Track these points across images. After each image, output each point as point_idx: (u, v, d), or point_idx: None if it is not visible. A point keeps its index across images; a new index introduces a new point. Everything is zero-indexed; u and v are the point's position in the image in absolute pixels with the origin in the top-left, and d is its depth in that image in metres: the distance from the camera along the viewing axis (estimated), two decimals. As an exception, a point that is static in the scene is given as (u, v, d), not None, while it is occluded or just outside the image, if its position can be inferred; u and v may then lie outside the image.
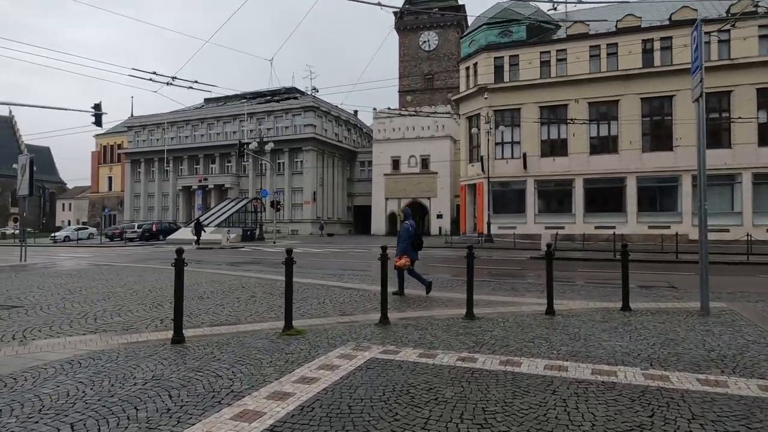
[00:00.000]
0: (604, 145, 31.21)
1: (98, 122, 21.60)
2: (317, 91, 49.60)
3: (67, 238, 43.77)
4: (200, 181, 53.32)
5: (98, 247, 31.43)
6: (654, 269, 14.78)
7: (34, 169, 17.52)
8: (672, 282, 11.74)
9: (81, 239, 43.73)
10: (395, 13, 62.96)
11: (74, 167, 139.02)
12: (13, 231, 60.72)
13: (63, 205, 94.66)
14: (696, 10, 29.81)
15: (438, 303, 8.32)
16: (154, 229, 40.45)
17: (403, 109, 53.22)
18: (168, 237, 37.25)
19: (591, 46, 31.35)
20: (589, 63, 31.30)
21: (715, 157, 28.14)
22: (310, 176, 50.08)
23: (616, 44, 30.71)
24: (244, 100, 55.66)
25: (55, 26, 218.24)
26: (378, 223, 51.97)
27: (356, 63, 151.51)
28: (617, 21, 31.09)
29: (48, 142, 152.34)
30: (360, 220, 57.25)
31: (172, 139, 57.20)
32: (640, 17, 30.79)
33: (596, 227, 30.14)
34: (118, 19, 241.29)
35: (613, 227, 29.73)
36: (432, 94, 60.23)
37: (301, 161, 50.67)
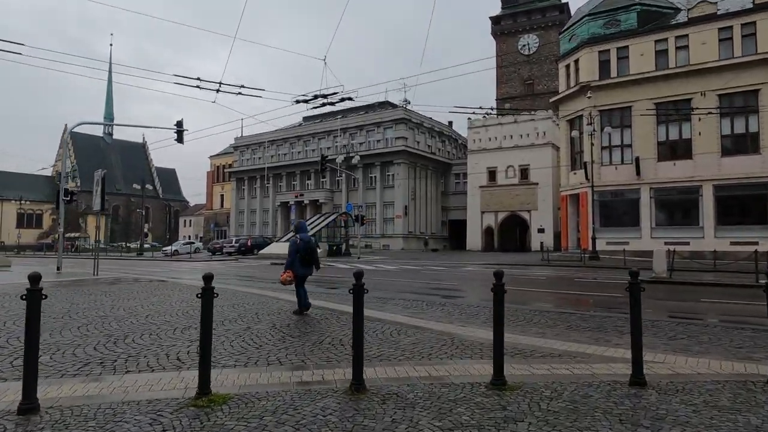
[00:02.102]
0: (740, 144, 25.99)
1: (180, 139, 22.05)
2: (409, 103, 48.58)
3: (176, 252, 46.66)
4: (296, 196, 54.55)
5: (190, 262, 32.63)
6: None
7: (104, 184, 17.73)
8: None
9: (188, 253, 46.43)
10: (491, 18, 60.29)
11: (198, 186, 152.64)
12: (151, 245, 67.11)
13: (185, 221, 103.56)
14: None
15: (476, 348, 6.07)
16: (248, 243, 41.63)
17: (499, 116, 50.11)
18: (260, 251, 37.92)
19: (720, 29, 26.44)
20: (719, 48, 26.38)
21: None
22: (401, 190, 48.84)
23: (754, 23, 25.56)
24: (339, 116, 56.25)
25: (187, 62, 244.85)
26: (474, 238, 49.07)
27: (453, 71, 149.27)
28: (754, -5, 25.94)
29: (175, 164, 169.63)
30: (455, 235, 54.72)
31: (272, 157, 59.50)
32: (786, -12, 25.37)
33: (732, 243, 25.00)
34: (242, 54, 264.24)
35: (756, 243, 24.48)
36: (533, 99, 56.31)
37: (393, 175, 49.66)
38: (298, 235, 8.70)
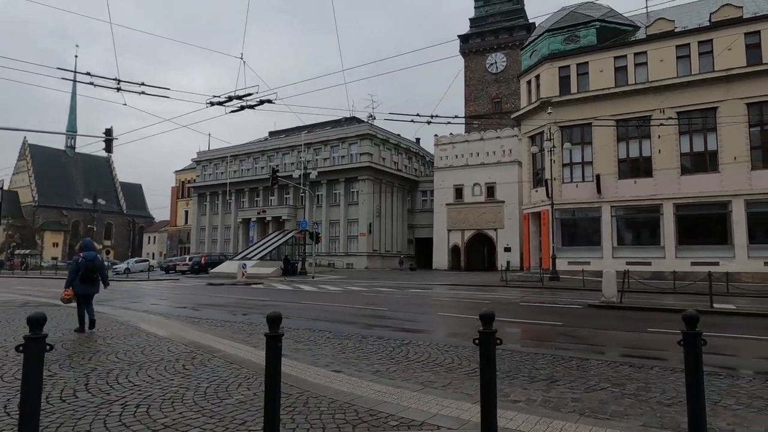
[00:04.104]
0: (699, 163, 25.53)
1: (108, 148, 20.30)
2: (374, 119, 47.61)
3: (127, 271, 44.19)
4: (259, 213, 52.76)
5: (123, 281, 30.53)
6: (775, 329, 9.87)
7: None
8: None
9: (142, 271, 44.03)
10: (460, 37, 60.23)
11: (166, 202, 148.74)
12: (107, 263, 63.76)
13: (149, 238, 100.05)
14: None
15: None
16: (203, 261, 39.63)
17: (466, 133, 49.52)
18: (212, 270, 35.98)
19: (678, 46, 26.18)
20: (677, 65, 26.08)
21: None
22: (366, 207, 47.52)
23: (711, 41, 25.34)
24: (305, 131, 54.90)
25: (163, 75, 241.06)
26: (440, 256, 47.89)
27: (420, 89, 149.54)
28: (711, 14, 25.80)
29: (143, 180, 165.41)
30: (422, 253, 53.44)
31: (235, 172, 57.68)
32: (741, 7, 25.27)
33: (693, 263, 24.30)
34: (220, 68, 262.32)
35: (716, 263, 23.88)
36: (500, 118, 55.95)
37: (357, 191, 48.37)
38: (81, 254, 8.77)
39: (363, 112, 76.92)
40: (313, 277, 30.74)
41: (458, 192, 47.25)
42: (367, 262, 47.09)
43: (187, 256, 43.05)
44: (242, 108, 12.76)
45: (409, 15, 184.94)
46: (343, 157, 49.84)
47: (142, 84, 11.31)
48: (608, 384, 5.42)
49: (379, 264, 48.55)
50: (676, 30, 26.46)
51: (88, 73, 11.17)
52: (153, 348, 7.10)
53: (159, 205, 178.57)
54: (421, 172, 57.39)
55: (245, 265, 25.86)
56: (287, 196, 53.29)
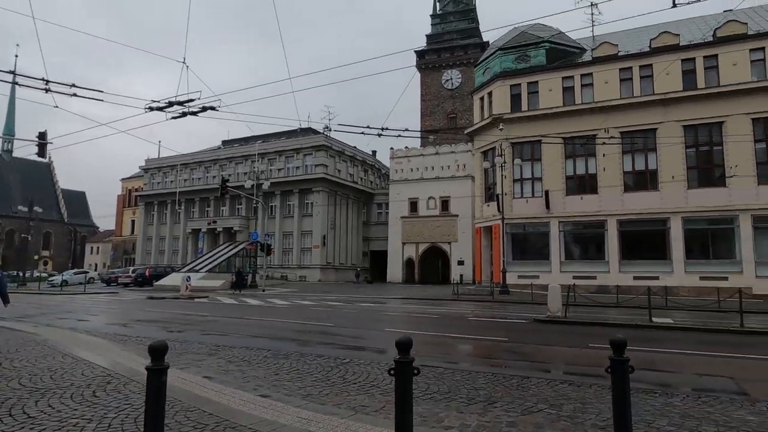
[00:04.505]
0: (641, 181, 26.58)
1: (41, 153, 19.08)
2: (330, 130, 47.16)
3: (64, 283, 41.68)
4: (209, 223, 51.15)
5: (53, 294, 28.71)
6: (710, 345, 10.16)
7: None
8: (741, 377, 7.23)
9: (80, 283, 41.59)
10: (416, 52, 61.02)
11: (109, 210, 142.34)
12: (40, 274, 59.83)
13: (92, 248, 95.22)
14: (746, 23, 25.57)
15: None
16: (147, 273, 37.86)
17: (422, 147, 49.99)
18: (157, 283, 34.39)
19: (621, 69, 27.32)
20: (620, 87, 27.19)
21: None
22: (320, 219, 46.93)
23: (651, 66, 26.59)
24: (259, 141, 53.86)
25: (114, 81, 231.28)
26: (394, 269, 47.84)
27: (380, 103, 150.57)
28: (651, 40, 27.13)
29: (87, 187, 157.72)
30: (377, 266, 53.21)
31: (184, 181, 55.82)
32: (678, 35, 26.73)
33: (635, 277, 25.19)
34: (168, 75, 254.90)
35: (656, 277, 24.86)
36: (455, 133, 56.83)
37: (311, 203, 47.74)
38: None
39: (319, 123, 76.50)
40: (263, 291, 29.89)
41: (413, 205, 47.51)
42: (320, 275, 46.41)
43: (131, 268, 41.03)
44: (184, 114, 12.18)
45: (370, 30, 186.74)
46: (297, 168, 49.17)
47: (73, 86, 10.59)
48: (546, 405, 5.29)
49: (333, 277, 47.94)
50: (619, 54, 27.66)
51: (11, 72, 10.36)
52: (65, 372, 6.47)
53: (104, 213, 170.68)
54: (377, 185, 57.39)
55: (189, 277, 24.76)
56: (240, 206, 51.98)
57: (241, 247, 37.83)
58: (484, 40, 58.65)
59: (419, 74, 61.61)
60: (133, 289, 32.81)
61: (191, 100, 11.34)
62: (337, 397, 5.47)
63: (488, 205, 31.07)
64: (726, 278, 23.32)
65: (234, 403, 4.97)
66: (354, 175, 53.02)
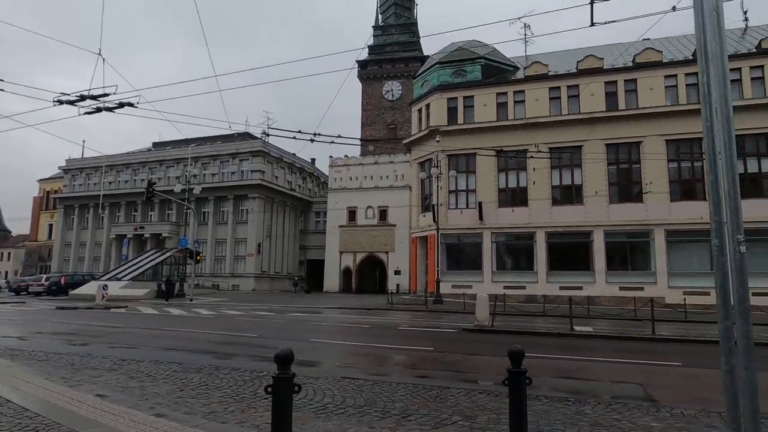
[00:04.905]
0: (567, 195, 27.84)
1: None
2: (268, 136, 46.18)
3: (-34, 292, 37.87)
4: (136, 229, 48.33)
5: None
6: (624, 353, 10.59)
7: None
8: (649, 383, 7.50)
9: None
10: (358, 62, 61.25)
11: (23, 213, 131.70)
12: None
13: (2, 254, 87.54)
14: (661, 52, 27.57)
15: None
16: (62, 282, 35.09)
17: (361, 156, 49.99)
18: (72, 292, 31.94)
19: (551, 88, 28.63)
20: (550, 105, 28.47)
21: (689, 210, 25.05)
22: (255, 226, 45.62)
23: (578, 86, 28.03)
24: (193, 144, 51.76)
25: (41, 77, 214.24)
26: (331, 279, 47.27)
27: (321, 110, 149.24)
28: (578, 62, 28.64)
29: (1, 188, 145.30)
30: (314, 275, 52.38)
31: (110, 183, 52.54)
32: (602, 59, 28.39)
33: (561, 287, 26.22)
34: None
35: (580, 287, 26.03)
36: (395, 144, 57.35)
37: (247, 210, 46.35)
38: None
39: (257, 128, 74.80)
40: (190, 300, 28.50)
41: (351, 214, 47.28)
42: (254, 284, 45.01)
43: (44, 276, 37.90)
44: (99, 110, 11.33)
45: (313, 40, 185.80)
46: (233, 173, 47.63)
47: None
48: (460, 417, 5.18)
49: (267, 286, 46.65)
50: (549, 74, 28.98)
51: None
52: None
53: (18, 216, 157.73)
54: (316, 193, 56.74)
55: (106, 286, 23.11)
56: (170, 212, 49.55)
57: (169, 254, 35.99)
58: (425, 53, 59.87)
59: (361, 84, 61.88)
60: (44, 299, 30.25)
61: (106, 95, 10.54)
62: (243, 414, 5.10)
63: (424, 216, 31.41)
64: (642, 288, 24.77)
65: (122, 425, 4.48)
66: (292, 183, 52.11)
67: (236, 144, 47.92)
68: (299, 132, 13.47)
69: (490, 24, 26.84)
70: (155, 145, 59.06)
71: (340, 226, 47.36)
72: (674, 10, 7.57)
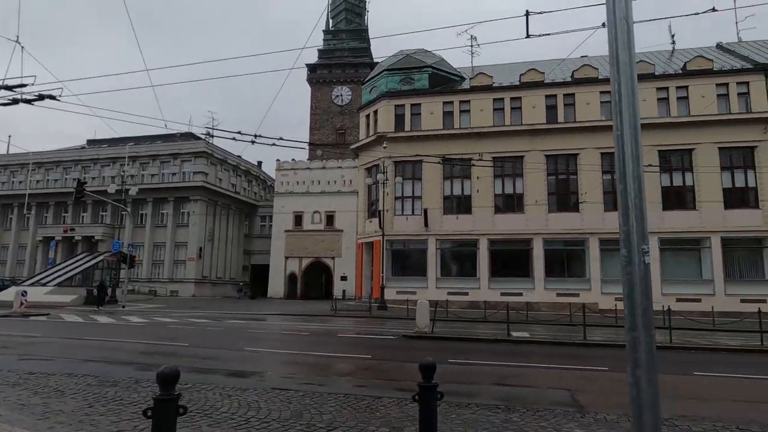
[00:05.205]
0: (509, 203, 28.62)
1: None
2: (212, 137, 44.78)
3: None
4: (66, 231, 45.40)
5: None
6: (556, 358, 10.87)
7: None
8: (577, 388, 7.69)
9: None
10: (308, 66, 60.71)
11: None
12: None
13: None
14: (597, 68, 28.95)
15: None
16: (-25, 288, 32.27)
17: (309, 160, 49.39)
18: (-11, 298, 29.43)
19: (495, 99, 29.43)
20: (494, 116, 29.23)
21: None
22: (197, 229, 44.01)
23: (520, 98, 28.99)
24: (131, 143, 49.36)
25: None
26: (276, 284, 46.25)
27: (270, 113, 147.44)
28: (521, 75, 29.58)
29: None
30: (258, 280, 51.12)
31: (37, 182, 49.19)
32: (543, 73, 29.48)
33: (503, 294, 26.75)
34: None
35: (520, 294, 26.72)
36: (344, 149, 57.13)
37: (188, 213, 44.66)
38: None
39: (202, 128, 72.72)
40: (123, 307, 26.98)
41: (298, 219, 46.58)
42: (194, 290, 43.34)
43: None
44: (16, 101, 10.48)
45: (264, 40, 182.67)
46: (174, 174, 45.77)
47: None
48: (388, 429, 5.06)
49: (209, 291, 45.07)
50: (493, 85, 29.77)
51: None
52: None
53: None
54: (261, 197, 55.52)
55: (25, 292, 21.40)
56: (104, 213, 46.96)
57: (100, 258, 34.00)
58: (375, 60, 60.19)
59: (310, 88, 61.30)
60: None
61: (23, 85, 9.76)
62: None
63: (370, 221, 31.36)
64: (578, 294, 25.75)
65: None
66: (237, 185, 50.73)
67: (178, 144, 46.13)
68: (239, 133, 13.06)
69: (438, 29, 27.13)
70: (90, 142, 55.88)
71: (286, 231, 46.55)
72: (604, 26, 7.87)
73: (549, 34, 7.57)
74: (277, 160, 48.02)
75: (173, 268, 44.33)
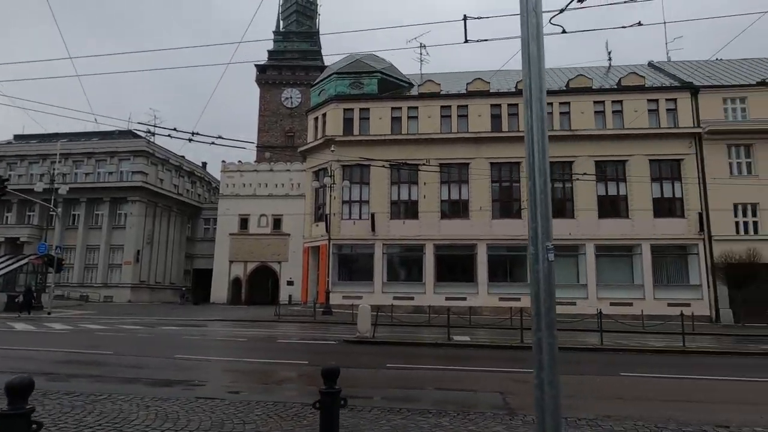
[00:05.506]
0: (455, 209, 29.05)
1: None
2: (153, 135, 42.91)
3: None
4: (-14, 232, 42.12)
5: None
6: (494, 361, 11.01)
7: None
8: (510, 391, 7.77)
9: None
10: (257, 66, 59.62)
11: None
12: None
13: None
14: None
15: None
16: None
17: (256, 162, 48.34)
18: None
19: (443, 106, 29.88)
20: (441, 123, 29.63)
21: (560, 227, 27.35)
22: (135, 232, 41.97)
23: (467, 107, 29.55)
24: (64, 139, 46.48)
25: None
26: (219, 289, 44.88)
27: (220, 114, 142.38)
28: (467, 84, 30.18)
29: None
30: (201, 285, 49.34)
31: (-44, 178, 45.41)
32: (489, 82, 30.21)
33: (447, 298, 27.10)
34: None
35: (464, 298, 27.13)
36: (292, 152, 56.31)
37: (125, 214, 42.54)
38: None
39: (137, 126, 69.79)
40: (48, 314, 25.25)
41: (243, 222, 45.47)
42: (131, 295, 41.27)
43: None
44: None
45: (212, 39, 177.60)
46: (111, 173, 43.52)
47: None
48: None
49: (147, 297, 43.05)
50: (441, 93, 30.22)
51: None
52: None
53: None
54: (206, 199, 53.78)
55: None
56: (31, 213, 43.96)
57: (25, 261, 31.72)
58: (326, 64, 59.86)
59: (259, 89, 60.15)
60: None
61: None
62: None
63: (317, 225, 30.98)
64: (519, 299, 26.35)
65: None
66: (179, 187, 48.85)
67: (116, 142, 43.90)
68: (174, 129, 12.54)
69: (385, 28, 27.31)
70: (17, 137, 52.23)
71: (231, 234, 45.31)
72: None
73: (486, 40, 7.69)
74: (223, 161, 46.77)
75: (108, 273, 42.06)
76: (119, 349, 11.30)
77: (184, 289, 45.37)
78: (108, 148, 43.64)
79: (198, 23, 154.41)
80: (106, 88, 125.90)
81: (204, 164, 55.48)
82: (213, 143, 13.77)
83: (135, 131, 44.54)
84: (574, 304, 25.72)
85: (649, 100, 28.02)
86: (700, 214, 26.30)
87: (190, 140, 13.27)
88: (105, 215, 42.66)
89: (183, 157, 50.73)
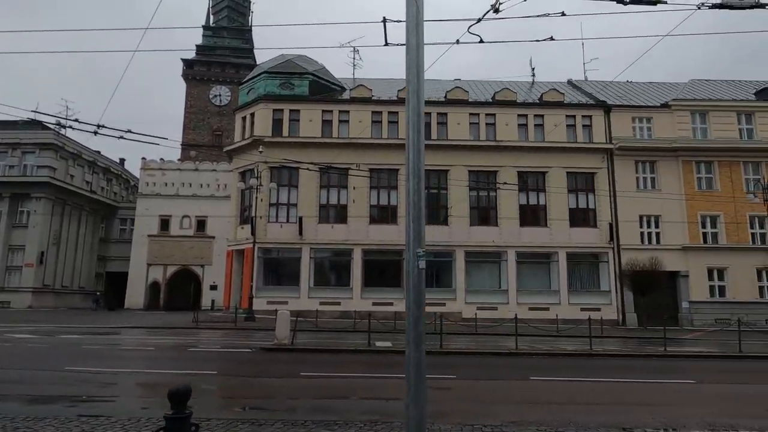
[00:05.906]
0: (384, 215, 29.10)
1: None
2: (64, 129, 39.70)
3: None
4: None
5: None
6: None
7: None
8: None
9: None
10: (184, 61, 57.04)
11: None
12: None
13: None
14: (467, 91, 30.82)
15: None
16: None
17: (180, 161, 46.11)
18: None
19: (374, 112, 29.88)
20: (372, 128, 29.63)
21: (484, 234, 28.23)
22: (39, 231, 38.50)
23: (397, 113, 29.69)
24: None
25: None
26: (135, 294, 42.26)
27: (145, 109, 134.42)
28: (398, 90, 30.42)
29: None
30: (115, 290, 46.10)
31: None
32: (420, 90, 30.59)
33: (374, 303, 26.98)
34: None
35: (391, 303, 27.14)
36: (219, 151, 54.28)
37: (29, 212, 38.95)
38: None
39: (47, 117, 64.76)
40: (-73, 322, 22.44)
41: (164, 223, 43.14)
42: (33, 300, 37.74)
43: None
44: None
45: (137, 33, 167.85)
46: (12, 167, 39.68)
47: None
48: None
49: (51, 302, 39.55)
50: (372, 98, 30.23)
51: None
52: None
53: None
54: (123, 198, 50.47)
55: None
56: None
57: None
58: (258, 62, 58.37)
59: (186, 84, 57.55)
60: None
61: None
62: None
63: (243, 228, 29.91)
64: (444, 304, 26.78)
65: None
66: (93, 184, 45.46)
67: (20, 133, 40.06)
68: (76, 120, 11.52)
69: (318, 24, 26.93)
70: None
71: (150, 236, 42.81)
72: (458, 43, 8.16)
73: (402, 45, 7.61)
74: (143, 158, 44.15)
75: (6, 276, 38.26)
76: (4, 363, 10.12)
77: (97, 293, 42.18)
78: (9, 139, 39.74)
79: (128, 9, 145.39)
80: (9, 74, 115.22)
81: (122, 161, 52.09)
82: (122, 137, 12.74)
83: (44, 123, 41.19)
84: (495, 309, 26.61)
85: (567, 116, 29.60)
86: (611, 225, 28.10)
87: (95, 133, 12.21)
88: (4, 212, 38.78)
89: (98, 152, 47.39)
